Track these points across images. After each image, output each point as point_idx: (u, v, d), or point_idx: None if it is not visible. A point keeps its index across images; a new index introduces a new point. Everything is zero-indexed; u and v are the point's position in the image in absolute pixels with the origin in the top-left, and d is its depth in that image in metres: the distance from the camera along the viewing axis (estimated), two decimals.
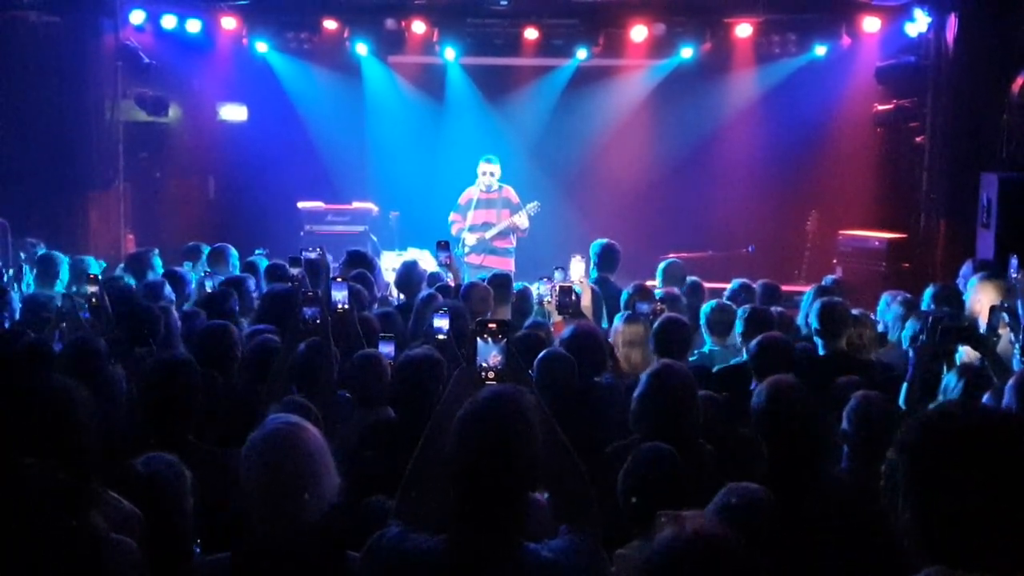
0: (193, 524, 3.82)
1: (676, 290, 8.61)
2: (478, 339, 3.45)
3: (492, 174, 12.57)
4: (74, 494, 2.98)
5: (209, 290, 8.57)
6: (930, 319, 5.64)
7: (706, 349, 7.59)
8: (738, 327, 7.04)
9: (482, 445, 3.05)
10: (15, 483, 2.90)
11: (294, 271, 7.81)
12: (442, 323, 6.03)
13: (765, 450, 4.56)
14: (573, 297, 7.31)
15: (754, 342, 6.12)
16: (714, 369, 6.89)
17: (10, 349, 5.72)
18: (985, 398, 4.95)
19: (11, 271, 8.94)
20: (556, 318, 7.55)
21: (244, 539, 3.40)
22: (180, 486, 3.80)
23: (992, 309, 5.90)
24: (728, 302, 7.97)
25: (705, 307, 7.78)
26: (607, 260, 9.53)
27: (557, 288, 7.54)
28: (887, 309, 7.72)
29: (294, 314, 5.54)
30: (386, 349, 5.99)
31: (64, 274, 8.91)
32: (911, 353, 5.66)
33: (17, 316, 7.70)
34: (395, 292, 10.49)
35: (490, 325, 3.47)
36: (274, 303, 7.11)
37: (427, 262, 10.38)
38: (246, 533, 3.39)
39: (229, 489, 3.76)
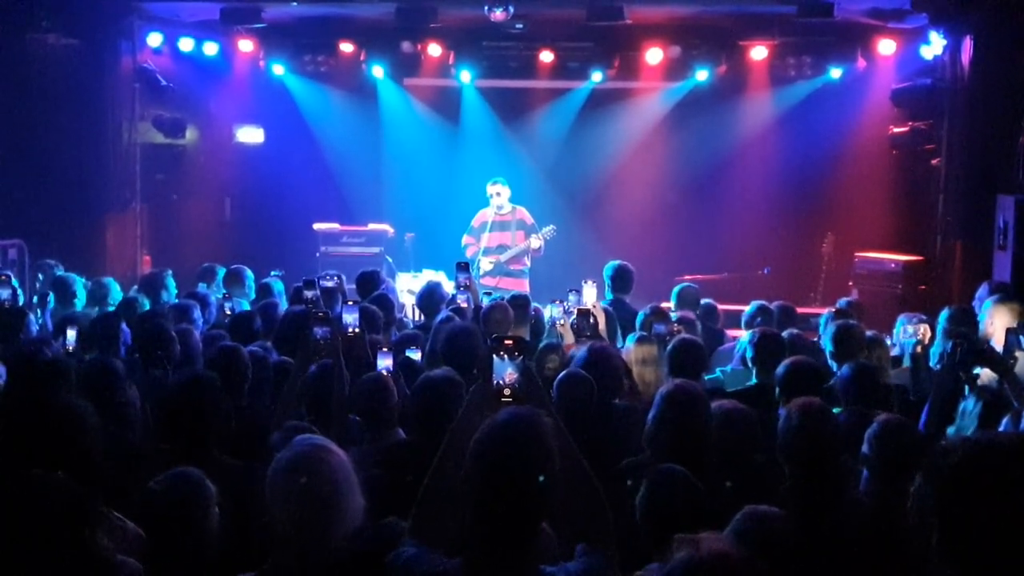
0: (219, 538, 3.81)
1: (692, 314, 8.62)
2: (494, 356, 3.43)
3: (500, 195, 12.61)
4: (82, 508, 2.98)
5: (228, 312, 8.59)
6: (951, 342, 5.64)
7: (718, 372, 7.57)
8: (749, 351, 7.02)
9: (499, 470, 3.03)
10: (23, 493, 2.90)
11: (308, 294, 7.83)
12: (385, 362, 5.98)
13: (787, 472, 4.53)
14: (591, 320, 7.29)
15: (781, 367, 6.07)
16: (727, 391, 6.86)
17: (30, 366, 5.73)
18: (1004, 421, 4.93)
19: (35, 298, 8.94)
20: (569, 340, 7.53)
21: (270, 558, 3.38)
22: (203, 500, 3.80)
23: (1008, 332, 5.88)
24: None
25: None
26: (621, 281, 9.53)
27: (575, 311, 7.52)
28: (903, 331, 7.69)
29: (306, 335, 5.56)
30: (384, 363, 5.96)
31: (81, 295, 8.95)
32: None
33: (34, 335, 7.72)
34: (410, 313, 10.51)
35: (506, 342, 3.45)
36: (290, 324, 7.13)
37: (444, 284, 10.39)
38: (272, 552, 3.37)
39: (253, 505, 3.76)
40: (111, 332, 7.05)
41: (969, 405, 5.55)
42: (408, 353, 6.82)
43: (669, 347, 6.76)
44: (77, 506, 2.92)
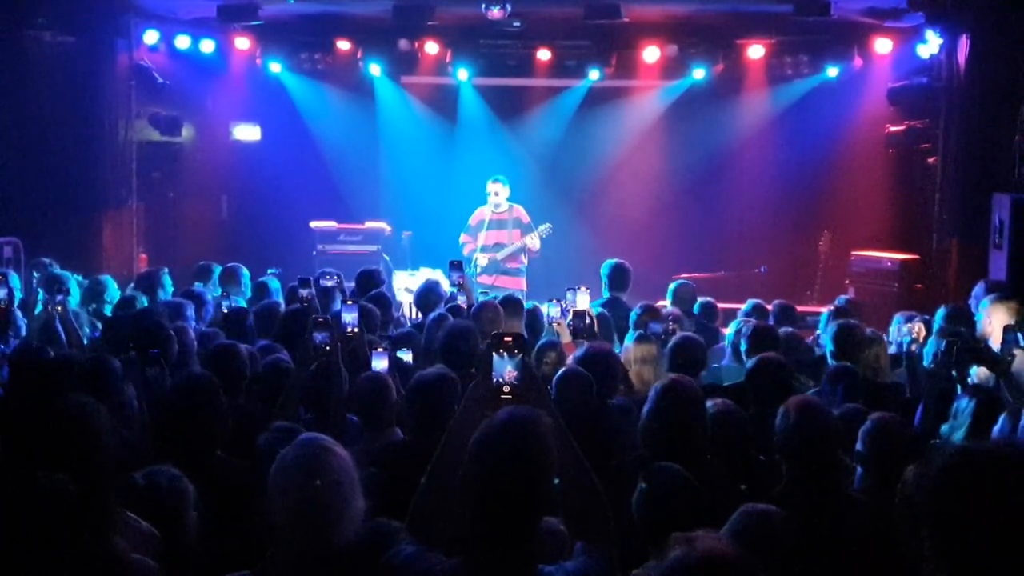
0: (197, 538, 3.82)
1: (679, 310, 8.64)
2: (493, 354, 3.41)
3: (498, 194, 12.59)
4: (90, 509, 2.97)
5: (225, 310, 8.58)
6: (945, 341, 5.65)
7: (713, 366, 7.58)
8: (743, 344, 7.05)
9: (499, 470, 3.02)
10: (27, 497, 2.89)
11: (304, 292, 7.83)
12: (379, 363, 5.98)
13: (785, 470, 4.54)
14: (588, 321, 7.29)
15: (749, 364, 6.10)
16: (724, 384, 6.87)
17: (31, 365, 5.74)
18: (1001, 419, 4.93)
19: (21, 298, 8.93)
20: (566, 339, 7.53)
21: (268, 556, 3.38)
22: (181, 499, 3.80)
23: (1006, 329, 5.89)
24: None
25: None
26: (618, 279, 9.53)
27: (571, 312, 7.52)
28: (899, 330, 7.71)
29: (305, 336, 5.55)
30: (379, 364, 5.96)
31: (75, 292, 8.93)
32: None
33: (24, 333, 7.72)
34: (407, 312, 10.51)
35: (505, 339, 3.42)
36: (289, 324, 7.13)
37: (443, 282, 10.39)
38: (271, 550, 3.37)
39: (250, 504, 3.75)
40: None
41: (963, 404, 5.56)
42: (399, 354, 6.81)
43: (670, 344, 6.78)
44: (77, 508, 2.91)
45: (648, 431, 4.92)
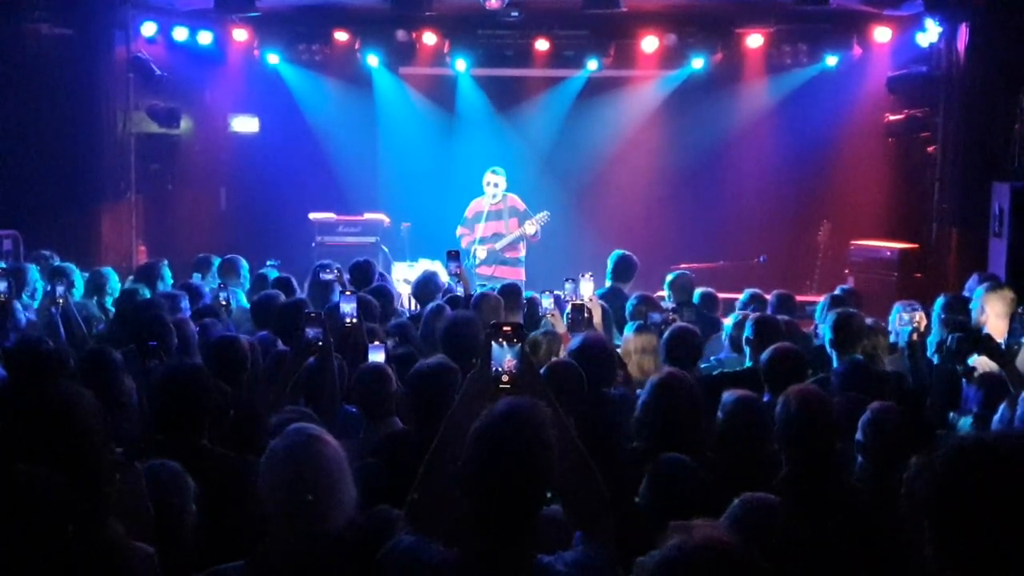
0: (196, 532, 3.82)
1: (673, 304, 8.66)
2: (493, 343, 3.41)
3: (496, 185, 12.53)
4: (76, 500, 2.96)
5: (223, 302, 8.57)
6: (955, 333, 5.66)
7: (712, 360, 7.57)
8: (748, 331, 7.03)
9: (498, 460, 3.02)
10: (10, 489, 2.88)
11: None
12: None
13: (785, 460, 4.54)
14: (585, 315, 7.29)
15: (765, 354, 6.08)
16: (714, 372, 6.86)
17: (26, 357, 5.74)
18: (1001, 408, 4.94)
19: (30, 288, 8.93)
20: (560, 329, 7.52)
21: (260, 547, 3.38)
22: (183, 494, 3.80)
23: (1014, 318, 5.91)
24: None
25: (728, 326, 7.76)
26: (622, 271, 9.54)
27: (570, 303, 7.51)
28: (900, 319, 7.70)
29: (298, 330, 5.56)
30: (376, 356, 5.97)
31: (79, 284, 8.93)
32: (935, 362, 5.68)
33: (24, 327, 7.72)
34: (406, 303, 10.51)
35: (505, 329, 3.42)
36: (284, 315, 7.14)
37: (441, 273, 10.38)
38: (262, 541, 3.37)
39: (243, 496, 3.75)
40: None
41: (971, 393, 5.57)
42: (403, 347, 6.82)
43: (665, 335, 6.78)
44: (64, 496, 2.90)
45: (643, 424, 4.92)
